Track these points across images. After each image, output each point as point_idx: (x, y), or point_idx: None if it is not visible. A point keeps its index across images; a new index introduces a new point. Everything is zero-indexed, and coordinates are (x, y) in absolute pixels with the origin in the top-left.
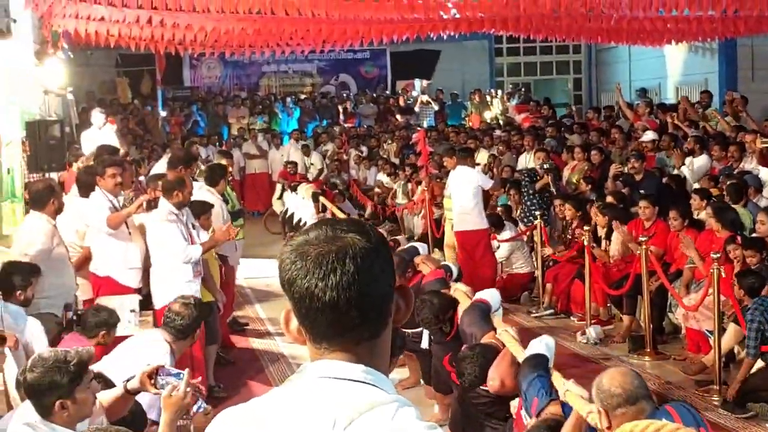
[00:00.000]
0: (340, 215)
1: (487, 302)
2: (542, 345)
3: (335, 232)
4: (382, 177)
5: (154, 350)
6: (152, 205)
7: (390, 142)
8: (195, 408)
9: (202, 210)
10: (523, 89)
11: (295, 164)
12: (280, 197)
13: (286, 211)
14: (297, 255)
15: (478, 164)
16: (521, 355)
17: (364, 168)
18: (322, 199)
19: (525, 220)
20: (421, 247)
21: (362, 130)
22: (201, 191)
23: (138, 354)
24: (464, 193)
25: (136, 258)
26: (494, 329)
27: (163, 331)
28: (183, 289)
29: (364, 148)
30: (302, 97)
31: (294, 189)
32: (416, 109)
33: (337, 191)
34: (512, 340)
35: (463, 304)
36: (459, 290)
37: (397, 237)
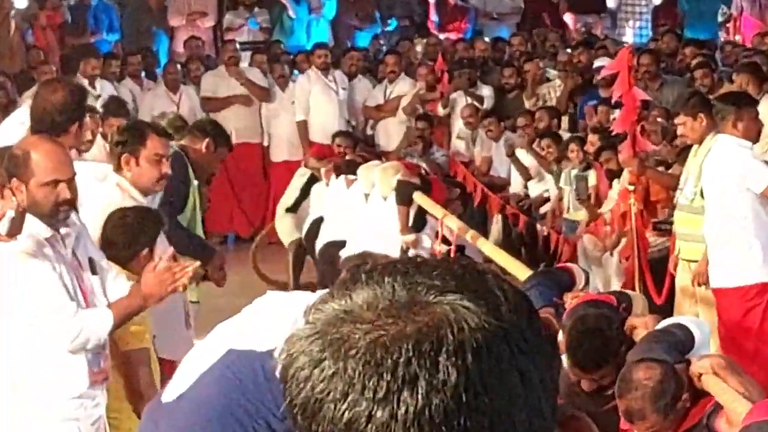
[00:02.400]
0: (473, 239)
1: None
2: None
3: (414, 291)
4: (526, 157)
5: None
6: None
7: (552, 77)
8: None
9: (135, 237)
10: None
11: (349, 136)
12: (294, 207)
13: (313, 228)
14: (326, 346)
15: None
16: None
17: (487, 136)
18: (419, 198)
19: None
20: (699, 327)
21: (482, 47)
22: (105, 186)
23: None
24: (724, 197)
25: None
26: None
27: None
28: (61, 418)
29: (486, 91)
30: None
31: (350, 170)
32: (612, 2)
33: (456, 189)
34: None
35: None
36: None
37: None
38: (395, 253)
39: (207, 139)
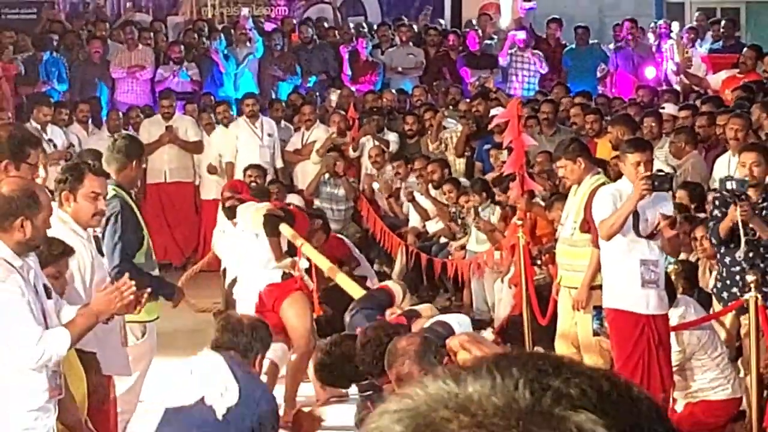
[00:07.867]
0: (346, 284)
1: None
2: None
3: (540, 395)
4: (428, 197)
5: None
6: None
7: (450, 123)
8: None
9: (49, 255)
10: (723, 22)
11: (261, 169)
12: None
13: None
14: (411, 429)
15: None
16: None
17: (393, 176)
18: (283, 228)
19: (724, 292)
20: (459, 323)
21: (389, 97)
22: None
23: None
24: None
25: None
26: None
27: None
28: (21, 429)
29: (391, 136)
30: (266, 25)
31: (232, 214)
32: (503, 59)
33: (318, 220)
34: None
35: None
36: None
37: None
38: (276, 279)
39: (134, 160)
